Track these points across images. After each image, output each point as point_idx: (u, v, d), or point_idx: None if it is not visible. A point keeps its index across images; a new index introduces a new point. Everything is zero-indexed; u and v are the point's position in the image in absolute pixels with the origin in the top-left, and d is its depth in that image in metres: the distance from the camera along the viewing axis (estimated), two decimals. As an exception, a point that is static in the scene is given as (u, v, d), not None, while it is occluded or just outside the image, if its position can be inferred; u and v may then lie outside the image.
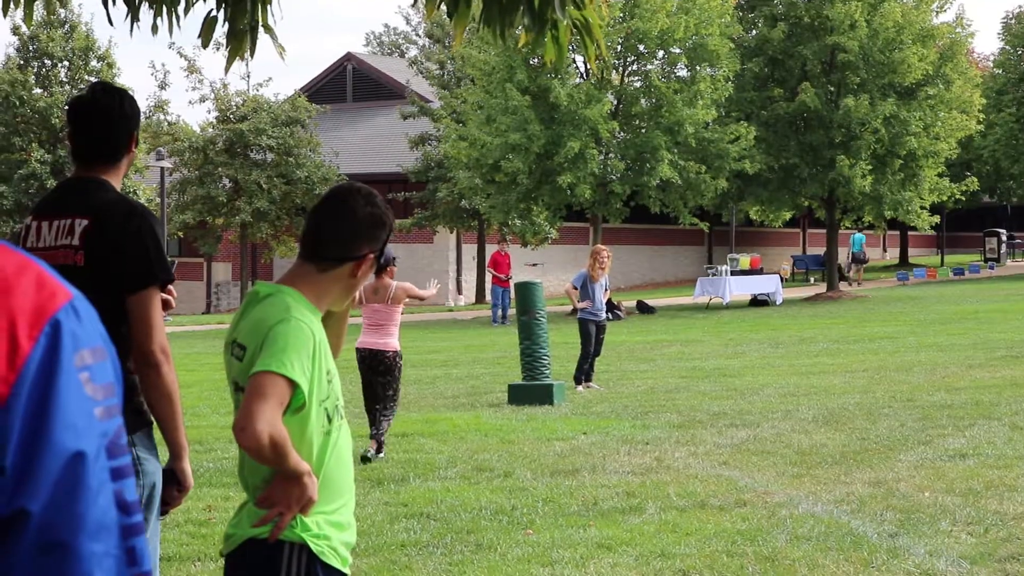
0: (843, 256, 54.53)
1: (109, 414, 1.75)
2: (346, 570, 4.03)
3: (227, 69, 5.70)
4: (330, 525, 3.97)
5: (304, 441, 3.89)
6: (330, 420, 3.96)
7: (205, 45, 6.07)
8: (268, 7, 5.91)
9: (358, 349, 13.27)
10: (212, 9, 5.93)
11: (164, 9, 6.64)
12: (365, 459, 12.70)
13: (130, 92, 5.08)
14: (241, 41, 5.79)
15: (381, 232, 4.09)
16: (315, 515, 3.91)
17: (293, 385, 3.77)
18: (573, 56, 39.00)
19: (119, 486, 1.74)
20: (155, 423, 5.04)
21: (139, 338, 4.91)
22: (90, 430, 1.71)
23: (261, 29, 5.82)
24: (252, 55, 5.94)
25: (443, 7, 5.58)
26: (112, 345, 1.80)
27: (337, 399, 4.00)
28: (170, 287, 5.11)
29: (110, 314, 4.93)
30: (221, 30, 5.90)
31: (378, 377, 13.21)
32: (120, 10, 6.81)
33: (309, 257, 4.06)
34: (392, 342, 13.20)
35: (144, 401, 4.99)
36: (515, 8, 5.19)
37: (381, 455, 13.02)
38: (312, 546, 3.90)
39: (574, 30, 5.31)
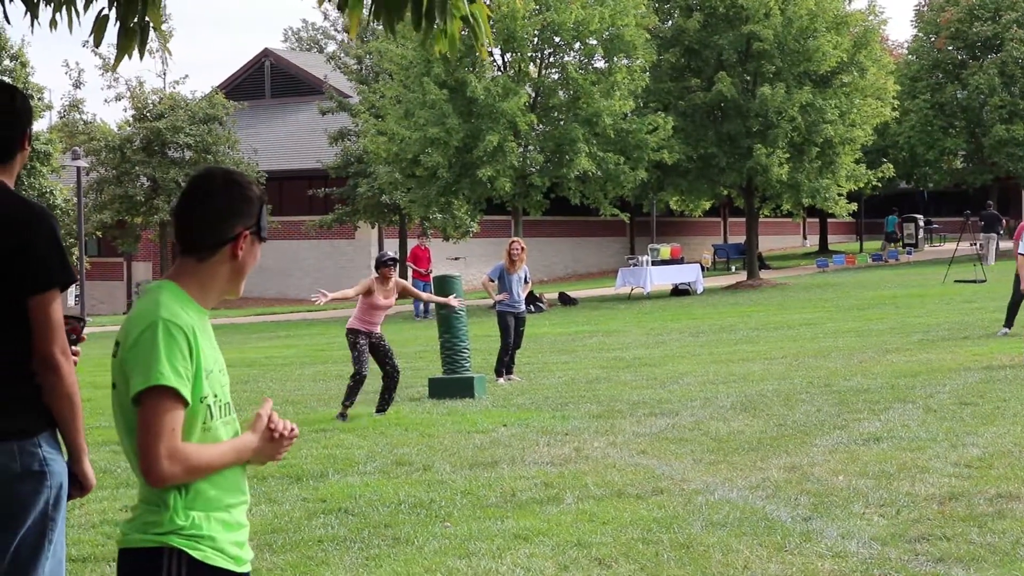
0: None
1: None
2: (241, 568, 3.87)
3: (115, 67, 5.67)
4: (219, 524, 3.80)
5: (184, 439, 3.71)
6: (211, 416, 3.79)
7: (97, 44, 6.03)
8: (160, 7, 5.87)
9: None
10: (104, 8, 5.89)
11: (63, 7, 6.58)
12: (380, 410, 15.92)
13: (22, 89, 5.02)
14: (131, 40, 5.75)
15: (249, 207, 3.90)
16: (205, 513, 3.76)
17: (176, 393, 3.64)
18: (490, 49, 38.97)
19: None
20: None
21: (39, 341, 4.86)
22: None
23: (152, 29, 5.79)
24: (142, 55, 5.91)
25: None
26: None
27: (218, 395, 3.83)
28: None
29: (10, 317, 4.87)
30: (113, 29, 5.86)
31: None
32: (18, 8, 6.75)
33: (186, 250, 3.91)
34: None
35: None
36: (403, 3, 5.20)
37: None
38: (191, 552, 3.74)
39: (463, 24, 5.33)
